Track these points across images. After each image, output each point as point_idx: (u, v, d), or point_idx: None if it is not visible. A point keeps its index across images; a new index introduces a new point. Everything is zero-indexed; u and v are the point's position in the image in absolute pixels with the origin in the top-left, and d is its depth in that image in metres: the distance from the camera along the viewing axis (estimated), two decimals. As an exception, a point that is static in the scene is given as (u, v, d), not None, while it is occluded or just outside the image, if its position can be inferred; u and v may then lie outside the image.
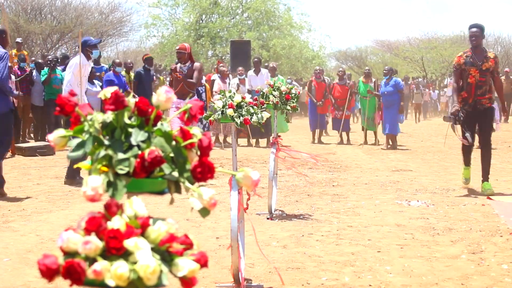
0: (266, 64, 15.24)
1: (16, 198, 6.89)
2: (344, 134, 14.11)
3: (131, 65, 13.77)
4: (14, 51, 14.64)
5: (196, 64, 8.59)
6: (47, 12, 26.17)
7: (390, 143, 12.89)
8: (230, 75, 13.45)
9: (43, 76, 12.52)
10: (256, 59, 13.67)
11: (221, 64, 14.06)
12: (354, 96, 13.98)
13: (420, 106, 25.42)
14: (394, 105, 12.67)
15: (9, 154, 10.80)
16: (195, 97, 8.22)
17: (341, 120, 13.56)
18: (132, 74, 13.23)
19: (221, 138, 13.14)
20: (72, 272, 1.23)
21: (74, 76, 7.63)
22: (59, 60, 13.28)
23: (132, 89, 12.38)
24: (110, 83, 11.39)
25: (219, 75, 13.57)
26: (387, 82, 12.83)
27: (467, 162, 7.46)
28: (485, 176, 7.19)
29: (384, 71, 13.24)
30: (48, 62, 12.75)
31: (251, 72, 13.38)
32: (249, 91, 12.39)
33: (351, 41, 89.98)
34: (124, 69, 13.18)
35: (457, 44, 34.19)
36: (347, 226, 5.56)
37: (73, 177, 7.78)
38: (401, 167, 9.75)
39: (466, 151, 7.41)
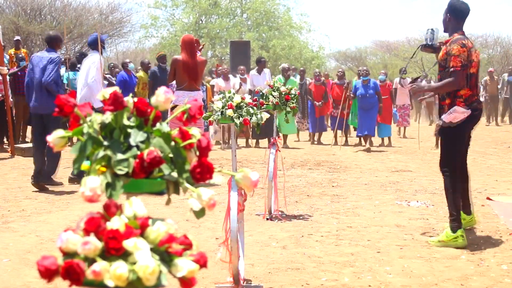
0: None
1: (16, 199, 6.89)
2: (340, 134, 13.87)
3: (149, 64, 13.24)
4: (12, 50, 14.61)
5: None
6: (46, 12, 26.17)
7: (368, 143, 12.64)
8: (230, 75, 13.37)
9: None
10: (262, 59, 13.60)
11: (219, 67, 14.02)
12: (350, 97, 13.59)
13: (432, 105, 23.34)
14: (374, 107, 12.38)
15: (8, 154, 10.81)
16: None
17: (338, 118, 13.24)
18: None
19: (220, 138, 13.15)
20: (71, 272, 1.23)
21: (98, 72, 7.71)
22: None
23: (147, 89, 12.27)
24: (123, 83, 11.32)
25: (216, 76, 13.55)
26: (365, 83, 12.48)
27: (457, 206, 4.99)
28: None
29: (364, 71, 12.82)
30: None
31: (253, 72, 13.34)
32: (251, 91, 12.38)
33: (350, 42, 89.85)
34: (142, 70, 13.03)
35: (456, 44, 34.14)
36: (346, 226, 5.56)
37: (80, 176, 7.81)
38: (401, 168, 9.75)
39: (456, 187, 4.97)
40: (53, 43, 7.62)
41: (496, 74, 24.28)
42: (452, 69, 4.79)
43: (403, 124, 14.98)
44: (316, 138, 14.26)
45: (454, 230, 4.80)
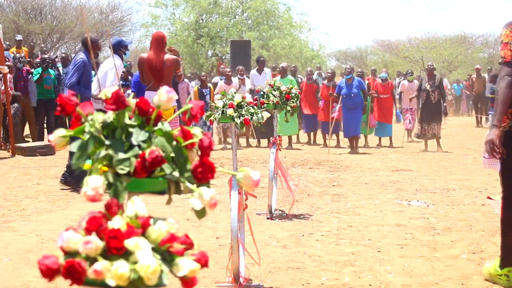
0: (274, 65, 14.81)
1: (16, 198, 6.89)
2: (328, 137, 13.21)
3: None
4: (14, 49, 14.62)
5: None
6: (47, 12, 26.19)
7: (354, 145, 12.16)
8: (232, 78, 13.23)
9: (35, 75, 12.43)
10: (261, 59, 13.56)
11: (222, 66, 13.99)
12: (332, 96, 12.57)
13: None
14: (359, 107, 11.96)
15: (9, 154, 10.82)
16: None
17: (329, 122, 12.61)
18: None
19: (222, 138, 13.15)
20: (72, 272, 1.23)
21: (115, 77, 7.62)
22: (51, 60, 13.05)
23: None
24: (138, 84, 11.09)
25: (221, 77, 13.51)
26: (349, 82, 12.00)
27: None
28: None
29: (347, 70, 12.35)
30: (42, 61, 12.67)
31: (253, 71, 13.30)
32: (251, 90, 12.30)
33: (351, 41, 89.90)
34: None
35: (457, 44, 34.17)
36: (347, 226, 5.56)
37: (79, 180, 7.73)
38: (401, 167, 9.75)
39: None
40: (84, 45, 7.53)
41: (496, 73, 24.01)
42: (500, 60, 3.75)
43: (409, 126, 14.21)
44: (312, 138, 14.01)
45: (501, 266, 3.98)
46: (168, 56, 7.12)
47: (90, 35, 7.85)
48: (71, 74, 7.35)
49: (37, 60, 13.09)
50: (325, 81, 13.63)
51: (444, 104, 12.22)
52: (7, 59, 11.88)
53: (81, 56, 7.48)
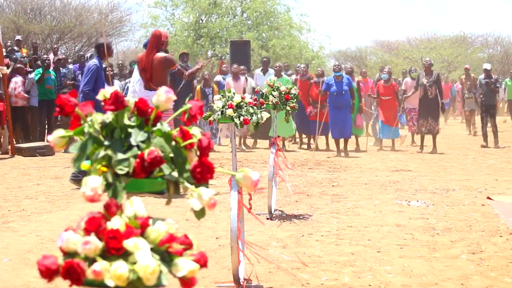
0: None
1: (16, 198, 6.89)
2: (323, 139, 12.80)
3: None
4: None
5: None
6: (46, 12, 26.18)
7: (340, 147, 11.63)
8: (240, 75, 12.88)
9: (36, 75, 12.43)
10: (265, 59, 13.57)
11: (224, 65, 13.93)
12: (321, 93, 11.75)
13: (474, 114, 17.96)
14: (348, 106, 11.47)
15: (8, 154, 10.81)
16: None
17: (317, 122, 11.80)
18: None
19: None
20: (71, 272, 1.23)
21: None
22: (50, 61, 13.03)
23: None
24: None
25: (223, 76, 13.46)
26: (338, 80, 11.39)
27: None
28: None
29: (336, 67, 11.73)
30: (42, 62, 12.68)
31: (258, 71, 13.33)
32: (254, 89, 12.20)
33: (350, 41, 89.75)
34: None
35: (456, 44, 34.18)
36: (346, 226, 5.56)
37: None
38: (401, 167, 9.75)
39: None
40: (97, 50, 7.51)
41: (496, 73, 23.86)
42: None
43: (413, 129, 13.24)
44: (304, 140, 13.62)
45: None
46: (156, 55, 7.00)
47: (100, 39, 7.82)
48: (86, 81, 7.23)
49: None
50: (315, 79, 13.02)
51: (442, 101, 12.05)
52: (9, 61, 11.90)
53: (94, 61, 7.38)
